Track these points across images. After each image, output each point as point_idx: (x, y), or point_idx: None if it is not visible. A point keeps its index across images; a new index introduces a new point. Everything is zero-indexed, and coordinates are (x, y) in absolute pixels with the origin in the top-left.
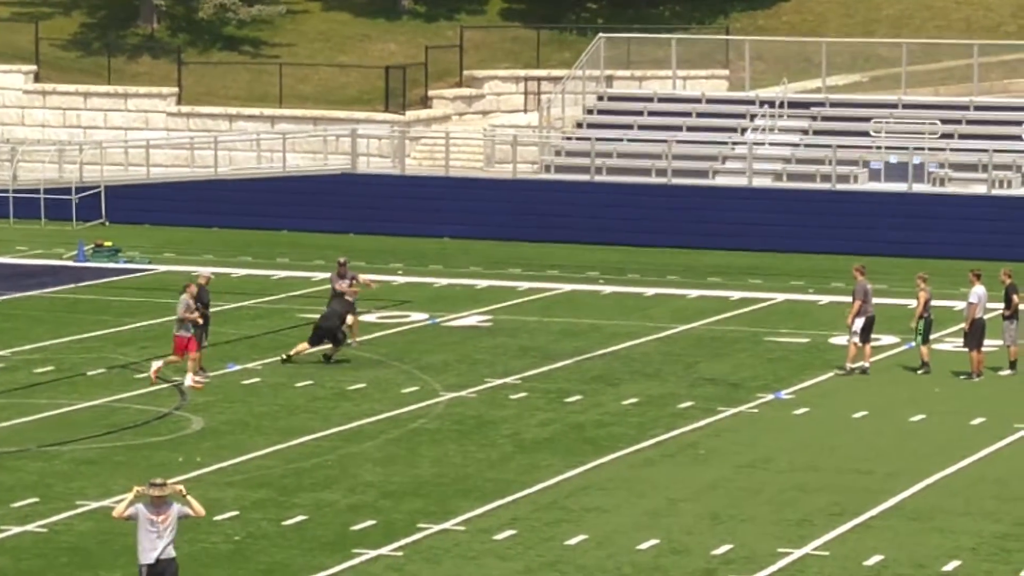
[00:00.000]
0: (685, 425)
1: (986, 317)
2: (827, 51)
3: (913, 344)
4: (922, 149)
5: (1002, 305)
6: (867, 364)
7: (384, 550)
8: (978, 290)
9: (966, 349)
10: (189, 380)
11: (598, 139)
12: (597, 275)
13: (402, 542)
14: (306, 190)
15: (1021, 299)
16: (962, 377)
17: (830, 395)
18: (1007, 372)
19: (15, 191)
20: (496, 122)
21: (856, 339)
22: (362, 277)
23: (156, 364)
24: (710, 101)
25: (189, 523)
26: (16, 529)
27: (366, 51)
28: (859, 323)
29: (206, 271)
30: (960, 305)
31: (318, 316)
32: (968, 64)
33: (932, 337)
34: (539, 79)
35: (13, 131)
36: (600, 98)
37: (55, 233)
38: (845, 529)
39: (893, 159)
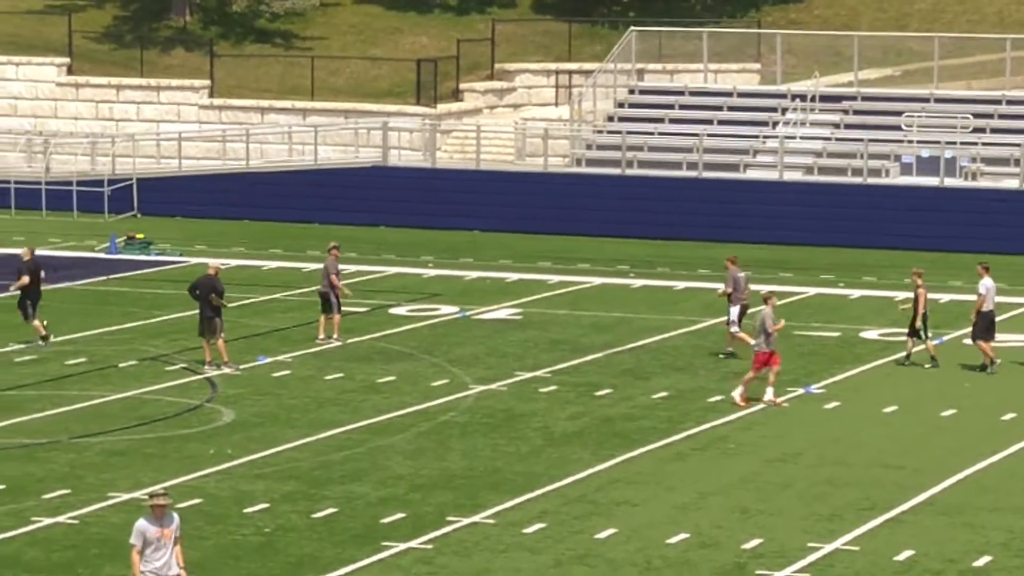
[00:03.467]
0: (715, 419)
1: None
2: (859, 45)
3: (943, 340)
4: (954, 143)
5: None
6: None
7: (414, 543)
8: (986, 282)
9: (971, 342)
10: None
11: (629, 132)
12: (628, 268)
13: (432, 535)
14: (337, 183)
15: None
16: (976, 370)
17: (860, 389)
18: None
19: (48, 183)
20: (527, 115)
21: (734, 327)
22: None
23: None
24: (741, 95)
25: (219, 515)
26: (47, 520)
27: (398, 44)
28: (735, 311)
29: (215, 262)
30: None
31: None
32: (1000, 58)
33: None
34: (570, 72)
35: (46, 123)
36: (631, 91)
37: (87, 225)
38: (875, 524)
39: (925, 153)
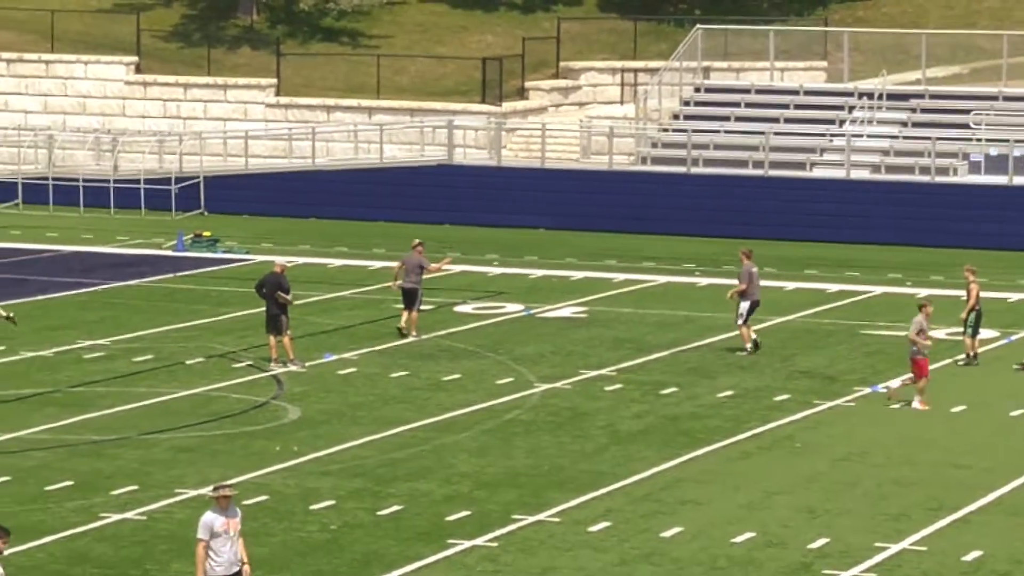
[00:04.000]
0: (781, 418)
1: None
2: (927, 43)
3: (1012, 339)
4: (1022, 141)
5: None
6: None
7: (479, 540)
8: None
9: None
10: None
11: (695, 131)
12: (693, 267)
13: (496, 533)
14: (403, 181)
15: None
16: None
17: (929, 389)
18: None
19: (116, 181)
20: (592, 113)
21: (740, 320)
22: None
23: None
24: (808, 93)
25: (285, 512)
26: (115, 517)
27: (463, 42)
28: (745, 306)
29: (281, 260)
30: None
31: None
32: None
33: None
34: (636, 71)
35: (114, 122)
36: (697, 89)
37: (155, 223)
38: (943, 524)
39: (993, 151)
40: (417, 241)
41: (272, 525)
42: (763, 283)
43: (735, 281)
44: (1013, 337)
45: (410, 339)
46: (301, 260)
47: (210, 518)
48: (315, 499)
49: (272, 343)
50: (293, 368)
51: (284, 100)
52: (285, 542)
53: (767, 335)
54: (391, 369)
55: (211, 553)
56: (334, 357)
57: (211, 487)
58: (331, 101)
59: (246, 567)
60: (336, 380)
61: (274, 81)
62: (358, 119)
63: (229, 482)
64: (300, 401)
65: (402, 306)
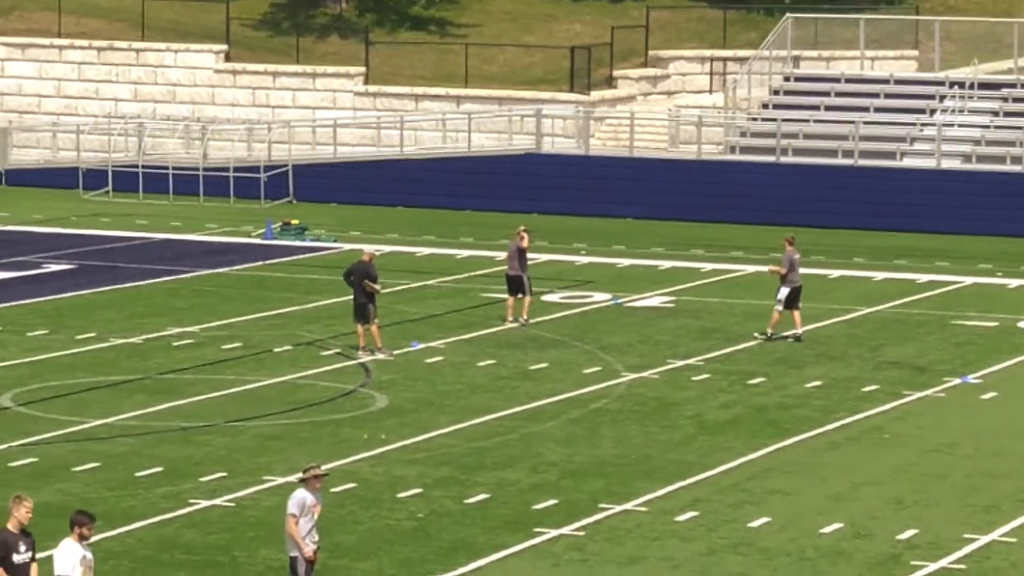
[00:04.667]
0: (869, 409)
1: None
2: (1019, 31)
3: None
4: None
5: None
6: (799, 332)
7: (565, 529)
8: None
9: None
10: None
11: (784, 120)
12: (780, 257)
13: (584, 522)
14: (491, 170)
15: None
16: None
17: (1019, 380)
18: None
19: (205, 169)
20: (681, 103)
21: (779, 306)
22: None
23: None
24: (898, 82)
25: (373, 499)
26: (204, 503)
27: (551, 31)
28: (784, 292)
29: (370, 248)
30: None
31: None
32: None
33: None
34: (725, 59)
35: (204, 110)
36: (787, 79)
37: (243, 211)
38: None
39: None
40: (522, 228)
41: (359, 513)
42: (851, 273)
43: (824, 272)
44: None
45: (510, 325)
46: (389, 248)
47: (303, 495)
48: (402, 487)
49: (360, 331)
50: (381, 356)
51: (372, 89)
52: (372, 530)
53: (857, 325)
54: (478, 358)
55: (301, 530)
56: (421, 345)
57: (304, 469)
58: (419, 90)
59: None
60: (423, 368)
61: (363, 70)
62: (446, 108)
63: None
64: (387, 389)
65: (506, 294)
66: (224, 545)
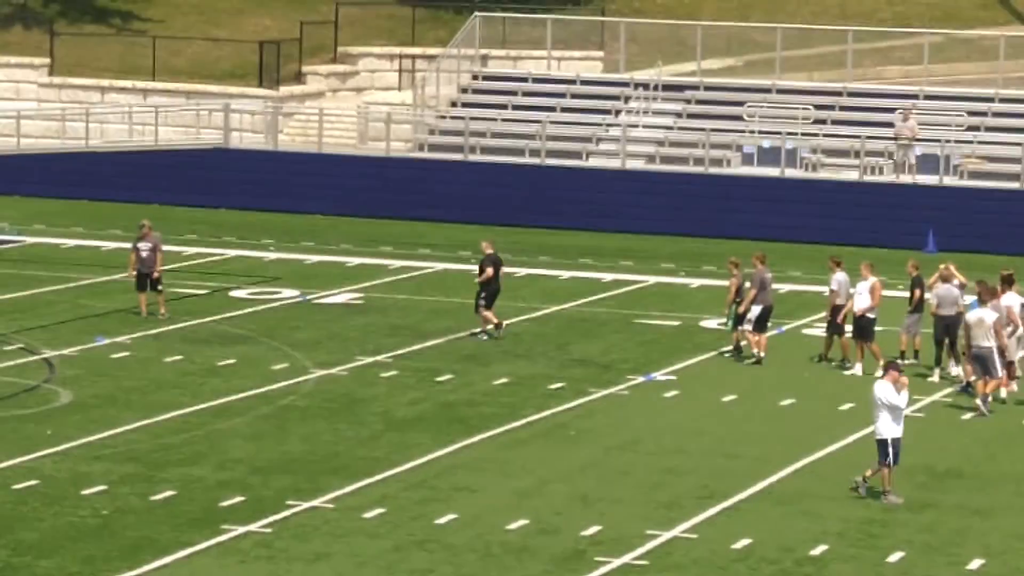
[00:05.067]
0: (556, 406)
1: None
2: (702, 34)
3: (783, 330)
4: (795, 134)
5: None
6: (762, 354)
7: (253, 526)
8: (839, 276)
9: (825, 335)
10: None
11: (472, 118)
12: (469, 255)
13: (271, 519)
14: (178, 164)
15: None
16: (824, 364)
17: (700, 378)
18: (910, 362)
19: None
20: (370, 99)
21: (749, 327)
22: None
23: None
24: (584, 82)
25: (57, 496)
26: None
27: (240, 25)
28: (755, 311)
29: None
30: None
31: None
32: (842, 50)
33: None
34: (414, 57)
35: None
36: (475, 77)
37: None
38: (713, 512)
39: (766, 143)
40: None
41: (42, 510)
42: (537, 272)
43: (514, 270)
44: (783, 328)
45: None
46: (73, 242)
47: None
48: (87, 484)
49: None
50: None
51: (57, 80)
52: (55, 527)
53: (543, 323)
54: (165, 353)
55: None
56: (107, 340)
57: None
58: (106, 82)
59: None
60: (109, 364)
61: (47, 60)
62: (133, 101)
63: None
64: (72, 385)
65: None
66: None
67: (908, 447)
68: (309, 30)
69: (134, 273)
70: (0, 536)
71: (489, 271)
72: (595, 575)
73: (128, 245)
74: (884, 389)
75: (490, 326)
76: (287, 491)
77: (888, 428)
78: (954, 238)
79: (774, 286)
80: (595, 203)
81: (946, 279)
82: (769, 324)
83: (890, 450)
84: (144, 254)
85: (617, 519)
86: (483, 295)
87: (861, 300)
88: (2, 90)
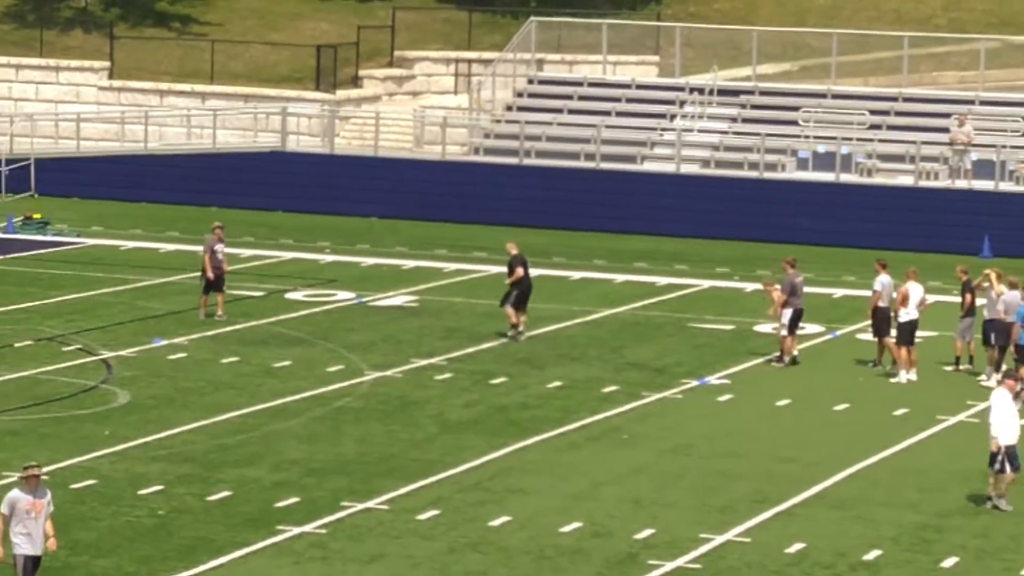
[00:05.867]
0: (609, 409)
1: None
2: (758, 39)
3: (837, 335)
4: (850, 139)
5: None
6: (795, 353)
7: (307, 527)
8: (883, 279)
9: (873, 338)
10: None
11: (527, 122)
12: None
13: (325, 520)
14: (235, 167)
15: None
16: (870, 365)
17: (754, 382)
18: (966, 367)
19: None
20: (426, 103)
21: (784, 331)
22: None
23: None
24: (640, 87)
25: (114, 496)
26: None
27: (298, 29)
28: (787, 315)
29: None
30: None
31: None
32: (898, 56)
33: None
34: (470, 61)
35: None
36: (530, 81)
37: None
38: (767, 516)
39: (821, 149)
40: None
41: (100, 510)
42: (592, 275)
43: (566, 273)
44: (838, 333)
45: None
46: (132, 244)
47: (15, 495)
48: (144, 484)
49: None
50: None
51: (117, 83)
52: (112, 527)
53: (597, 327)
54: (221, 355)
55: (16, 532)
56: (164, 342)
57: (23, 467)
58: (164, 85)
59: (52, 540)
60: (166, 365)
61: (107, 64)
62: (191, 104)
63: (38, 463)
64: (129, 386)
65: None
66: None
67: (962, 451)
68: (366, 34)
69: (210, 276)
70: (58, 535)
71: (519, 271)
72: None
73: (194, 248)
74: (1001, 397)
75: (511, 328)
76: (342, 492)
77: (1006, 435)
78: (1009, 244)
79: (821, 290)
80: (650, 207)
81: (1014, 285)
82: (800, 327)
83: (1005, 457)
84: (220, 256)
85: (670, 522)
86: (515, 295)
87: (913, 309)
88: (62, 93)
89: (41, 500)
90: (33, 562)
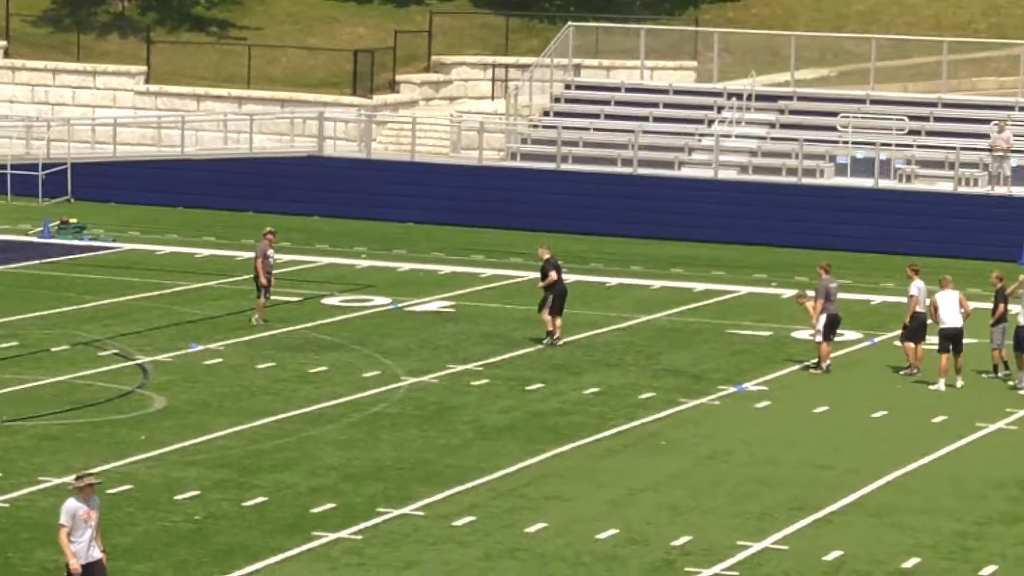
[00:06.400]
0: (646, 416)
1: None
2: (796, 45)
3: (875, 341)
4: (889, 145)
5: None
6: (828, 362)
7: (343, 533)
8: (918, 284)
9: (900, 343)
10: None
11: (564, 127)
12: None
13: (361, 526)
14: (272, 172)
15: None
16: (902, 372)
17: (792, 389)
18: (990, 375)
19: None
20: (463, 108)
21: (819, 337)
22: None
23: None
24: (677, 92)
25: (150, 501)
26: None
27: (335, 34)
28: (822, 321)
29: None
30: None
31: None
32: (937, 61)
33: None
34: (507, 66)
35: None
36: (568, 87)
37: (21, 209)
38: (804, 524)
39: (860, 154)
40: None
41: (136, 515)
42: (628, 281)
43: (602, 279)
44: (876, 339)
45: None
46: (168, 249)
47: (74, 505)
48: (180, 489)
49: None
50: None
51: (154, 88)
52: (149, 532)
53: (634, 333)
54: (257, 360)
55: (74, 540)
56: (200, 347)
57: (74, 476)
58: (201, 90)
59: (104, 555)
60: (202, 370)
61: (144, 68)
62: (228, 109)
63: (93, 471)
64: (166, 390)
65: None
66: None
67: (1000, 460)
68: (403, 39)
69: (264, 281)
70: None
71: (552, 275)
72: None
73: (230, 253)
74: None
75: (548, 335)
76: (378, 498)
77: None
78: None
79: (860, 297)
80: (687, 213)
81: None
82: (836, 333)
83: None
84: (270, 261)
85: (707, 529)
86: (550, 300)
87: (949, 315)
88: (99, 98)
89: (94, 509)
90: (87, 569)
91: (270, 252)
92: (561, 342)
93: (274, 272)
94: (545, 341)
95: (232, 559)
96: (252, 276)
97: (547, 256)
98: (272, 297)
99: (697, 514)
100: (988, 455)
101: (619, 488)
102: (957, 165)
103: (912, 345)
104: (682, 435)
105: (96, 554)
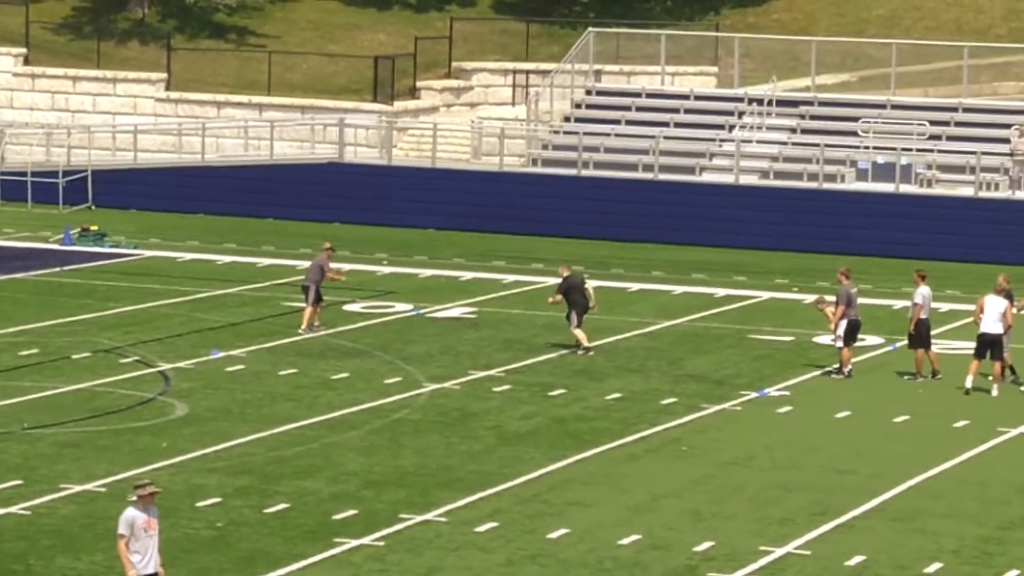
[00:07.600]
0: (668, 421)
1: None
2: (816, 50)
3: (896, 346)
4: (910, 150)
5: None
6: (849, 367)
7: (365, 540)
8: (923, 291)
9: (910, 349)
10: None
11: (585, 133)
12: (581, 270)
13: (383, 532)
14: (293, 179)
15: (1019, 305)
16: (906, 378)
17: (814, 394)
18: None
19: (2, 173)
20: (484, 114)
21: (840, 343)
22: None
23: None
24: (698, 98)
25: (171, 508)
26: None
27: (355, 41)
28: (843, 326)
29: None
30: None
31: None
32: (958, 66)
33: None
34: (528, 72)
35: (2, 114)
36: (588, 92)
37: (41, 216)
38: (827, 529)
39: (881, 159)
40: (327, 244)
41: (158, 522)
42: (650, 287)
43: (624, 285)
44: (898, 344)
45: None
46: (189, 256)
47: (133, 515)
48: (201, 496)
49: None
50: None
51: (174, 95)
52: (171, 539)
53: (656, 338)
54: (279, 367)
55: (133, 551)
56: (222, 354)
57: (135, 486)
58: (221, 97)
59: (162, 570)
60: (223, 377)
61: (164, 75)
62: (248, 115)
63: (147, 480)
64: (187, 397)
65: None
66: (20, 553)
67: (1022, 464)
68: (424, 45)
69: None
70: (115, 546)
71: (558, 296)
72: None
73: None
74: None
75: (581, 348)
76: (400, 504)
77: None
78: None
79: (881, 302)
80: (708, 218)
81: None
82: (857, 339)
83: None
84: (328, 275)
85: (730, 535)
86: (574, 315)
87: (990, 322)
88: (119, 105)
89: (154, 517)
90: None
91: (332, 266)
92: (592, 354)
93: (286, 279)
94: (579, 352)
95: (254, 566)
96: (302, 286)
97: (566, 274)
98: (292, 304)
99: (719, 519)
100: (1010, 459)
101: (641, 494)
102: (978, 170)
103: (920, 352)
104: (704, 440)
105: (152, 567)
